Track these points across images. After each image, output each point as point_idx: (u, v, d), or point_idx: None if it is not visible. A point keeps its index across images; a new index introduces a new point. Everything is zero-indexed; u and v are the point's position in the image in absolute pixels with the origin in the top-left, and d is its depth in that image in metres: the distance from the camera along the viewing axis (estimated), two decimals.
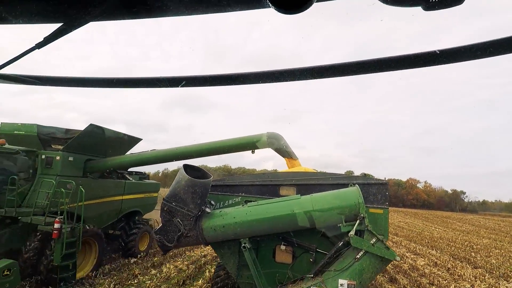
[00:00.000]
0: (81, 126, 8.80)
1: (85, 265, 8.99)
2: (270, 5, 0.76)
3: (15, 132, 9.13)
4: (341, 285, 4.66)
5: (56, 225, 7.45)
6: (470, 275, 12.09)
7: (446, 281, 11.11)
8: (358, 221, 4.71)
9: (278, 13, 0.80)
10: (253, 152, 8.90)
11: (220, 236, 4.97)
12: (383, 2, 0.79)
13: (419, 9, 0.79)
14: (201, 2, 0.96)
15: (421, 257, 15.58)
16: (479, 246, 20.72)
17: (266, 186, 5.73)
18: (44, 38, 1.17)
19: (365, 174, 5.53)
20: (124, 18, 1.11)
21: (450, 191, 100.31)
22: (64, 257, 7.48)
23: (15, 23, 1.11)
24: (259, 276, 4.95)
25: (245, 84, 1.48)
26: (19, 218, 7.77)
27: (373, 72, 1.28)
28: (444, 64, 1.19)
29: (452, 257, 16.16)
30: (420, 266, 12.76)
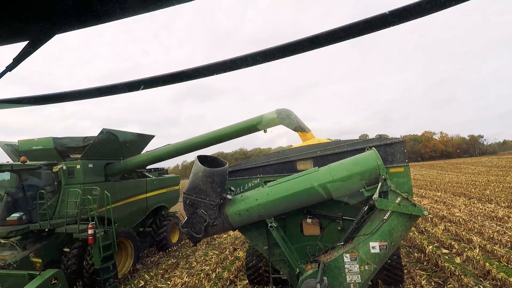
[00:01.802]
0: (95, 132, 8.95)
1: (124, 264, 9.41)
2: None
3: (33, 147, 9.37)
4: (373, 247, 4.68)
5: (90, 231, 7.76)
6: (461, 204, 15.15)
7: (441, 210, 13.83)
8: (380, 183, 4.66)
9: None
10: (265, 131, 8.84)
11: (245, 220, 5.03)
12: None
13: None
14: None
15: (426, 199, 17.81)
16: (482, 183, 22.51)
17: (283, 163, 5.69)
18: (13, 60, 1.14)
19: (380, 135, 5.40)
20: (88, 26, 1.09)
21: (467, 137, 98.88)
22: (103, 260, 7.83)
23: None
24: (290, 251, 5.02)
25: (244, 67, 1.43)
26: (54, 229, 8.13)
27: (370, 32, 1.20)
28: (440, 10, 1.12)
29: (453, 194, 18.77)
30: (422, 205, 14.46)
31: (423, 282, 6.84)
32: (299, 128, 8.28)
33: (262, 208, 4.92)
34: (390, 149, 5.21)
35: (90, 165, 9.29)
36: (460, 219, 11.97)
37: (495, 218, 11.89)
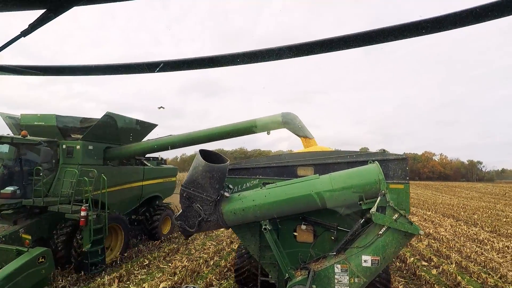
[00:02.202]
0: (99, 115, 8.94)
1: (113, 250, 9.39)
2: None
3: (35, 123, 9.33)
4: (365, 261, 4.65)
5: (83, 213, 7.74)
6: (448, 224, 16.17)
7: (428, 228, 14.70)
8: (379, 198, 4.63)
9: None
10: (268, 133, 8.84)
11: (240, 219, 5.00)
12: None
13: None
14: None
15: (416, 216, 18.69)
16: (472, 207, 23.63)
17: (284, 167, 5.67)
18: (29, 25, 1.13)
19: (384, 150, 5.38)
20: (106, 2, 1.09)
21: (466, 162, 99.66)
22: (92, 243, 7.81)
23: None
24: (281, 256, 4.99)
25: (251, 63, 1.41)
26: (47, 207, 8.09)
27: (382, 42, 1.20)
28: (453, 28, 1.13)
29: (442, 215, 19.61)
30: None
31: (401, 286, 7.70)
32: (303, 133, 8.27)
33: (258, 209, 4.89)
34: (392, 164, 5.20)
35: (90, 147, 9.26)
36: (444, 238, 12.83)
37: (476, 240, 12.77)
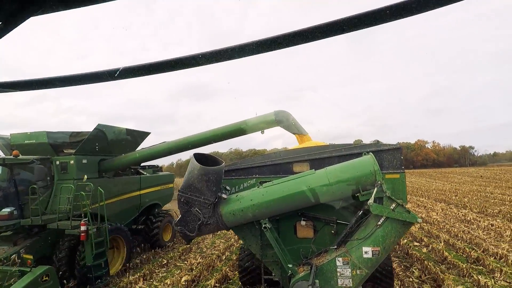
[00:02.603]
0: (91, 127, 8.88)
1: (116, 261, 9.34)
2: None
3: (25, 141, 9.23)
4: (366, 252, 4.69)
5: (83, 228, 7.68)
6: (439, 208, 17.04)
7: (420, 213, 15.54)
8: (376, 189, 4.67)
9: None
10: (262, 132, 8.84)
11: (239, 219, 5.01)
12: None
13: None
14: None
15: (410, 203, 19.37)
16: (463, 191, 24.38)
17: (279, 164, 5.69)
18: None
19: (377, 141, 5.43)
20: (62, 10, 1.07)
21: (458, 148, 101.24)
22: (95, 257, 7.76)
23: None
24: (283, 253, 5.01)
25: (240, 57, 1.39)
26: (45, 225, 8.03)
27: (368, 26, 1.19)
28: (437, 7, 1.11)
29: (434, 200, 20.64)
30: None
31: (395, 265, 8.38)
32: (297, 130, 8.30)
33: (256, 209, 4.91)
34: (386, 155, 5.25)
35: (84, 161, 9.20)
36: (435, 221, 13.81)
37: (464, 221, 13.75)
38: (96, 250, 7.77)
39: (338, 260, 4.79)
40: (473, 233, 11.52)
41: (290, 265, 4.97)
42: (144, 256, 10.55)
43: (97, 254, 7.82)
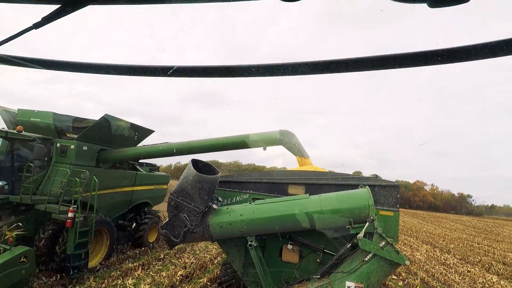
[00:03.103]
0: (97, 116, 9.02)
1: (96, 254, 9.18)
2: None
3: (31, 119, 9.28)
4: (348, 287, 4.58)
5: (70, 214, 7.58)
6: (424, 250, 17.57)
7: (405, 251, 15.95)
8: (367, 223, 4.60)
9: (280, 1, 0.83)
10: (264, 149, 8.85)
11: (226, 233, 4.94)
12: None
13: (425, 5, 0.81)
14: None
15: (397, 241, 20.00)
16: (452, 238, 25.06)
17: (275, 184, 5.66)
18: (42, 18, 1.14)
19: (376, 175, 5.39)
20: (122, 3, 1.09)
21: (456, 195, 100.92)
22: (76, 246, 7.64)
23: (14, 2, 1.10)
24: (264, 274, 4.92)
25: (249, 76, 1.42)
26: (33, 205, 7.95)
27: (379, 69, 1.22)
28: (451, 62, 1.14)
29: (421, 241, 21.10)
30: None
31: None
32: (299, 152, 8.29)
33: (245, 225, 4.84)
34: (383, 191, 5.20)
35: (85, 148, 9.20)
36: (417, 260, 14.42)
37: (444, 264, 14.38)
38: (79, 239, 7.65)
39: None
40: (449, 276, 12.09)
41: None
42: (124, 256, 10.38)
43: (79, 243, 7.69)
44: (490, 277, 12.48)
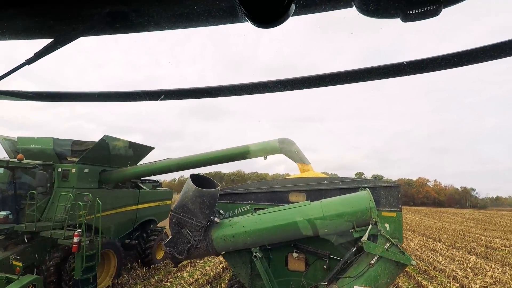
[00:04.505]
0: (98, 136, 9.06)
1: (105, 277, 9.14)
2: (247, 19, 0.79)
3: (31, 146, 9.35)
4: None
5: (75, 239, 7.54)
6: (417, 240, 19.41)
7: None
8: (370, 226, 4.58)
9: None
10: (265, 158, 8.87)
11: (230, 246, 4.93)
12: (363, 14, 0.82)
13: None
14: (181, 17, 0.99)
15: None
16: (447, 229, 26.17)
17: (275, 193, 5.65)
18: (34, 54, 1.16)
19: (376, 177, 5.39)
20: (111, 33, 1.13)
21: (460, 189, 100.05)
22: (84, 270, 7.59)
23: (5, 39, 1.12)
24: (272, 285, 4.88)
25: (249, 94, 1.46)
26: (39, 232, 7.95)
27: (374, 79, 1.24)
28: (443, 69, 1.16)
29: (418, 234, 22.73)
30: None
31: None
32: (299, 159, 8.30)
33: (248, 236, 4.83)
34: (384, 192, 5.18)
35: (86, 170, 9.23)
36: (409, 247, 16.30)
37: (433, 250, 16.32)
38: (86, 263, 7.62)
39: None
40: (434, 258, 14.23)
41: None
42: (133, 275, 10.33)
43: (86, 267, 7.64)
44: (468, 257, 14.69)
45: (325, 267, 5.17)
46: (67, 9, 0.98)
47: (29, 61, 1.20)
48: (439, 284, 10.28)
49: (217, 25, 1.00)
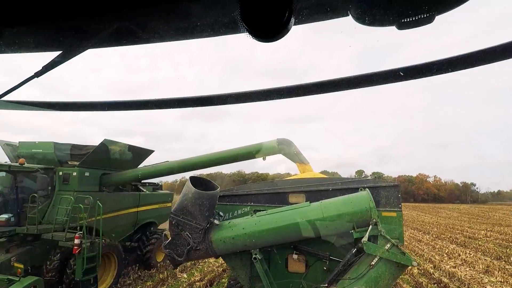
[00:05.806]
0: (99, 140, 9.12)
1: (105, 278, 9.16)
2: (249, 34, 0.81)
3: (32, 150, 9.43)
4: None
5: (76, 241, 7.59)
6: (409, 233, 20.91)
7: None
8: (370, 227, 4.56)
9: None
10: (264, 158, 8.88)
11: (230, 248, 4.92)
12: (359, 22, 0.85)
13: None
14: (184, 31, 1.02)
15: None
16: (440, 224, 27.26)
17: (275, 194, 5.65)
18: (42, 67, 1.19)
19: (375, 176, 5.38)
20: (117, 45, 1.16)
21: (460, 184, 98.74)
22: (85, 272, 7.62)
23: (14, 52, 1.15)
24: (272, 287, 4.86)
25: (255, 101, 1.48)
26: (40, 235, 8.00)
27: (372, 85, 1.26)
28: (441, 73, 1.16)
29: (411, 228, 23.97)
30: None
31: None
32: (298, 159, 8.30)
33: (248, 238, 4.82)
34: (384, 192, 5.17)
35: (87, 174, 9.28)
36: None
37: (420, 242, 17.89)
38: (87, 265, 7.65)
39: None
40: (419, 247, 16.02)
41: None
42: (134, 276, 10.33)
43: (87, 269, 7.68)
44: (448, 245, 16.49)
45: (325, 268, 5.15)
46: (77, 25, 1.01)
47: (37, 74, 1.22)
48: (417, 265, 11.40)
49: (219, 36, 1.04)
